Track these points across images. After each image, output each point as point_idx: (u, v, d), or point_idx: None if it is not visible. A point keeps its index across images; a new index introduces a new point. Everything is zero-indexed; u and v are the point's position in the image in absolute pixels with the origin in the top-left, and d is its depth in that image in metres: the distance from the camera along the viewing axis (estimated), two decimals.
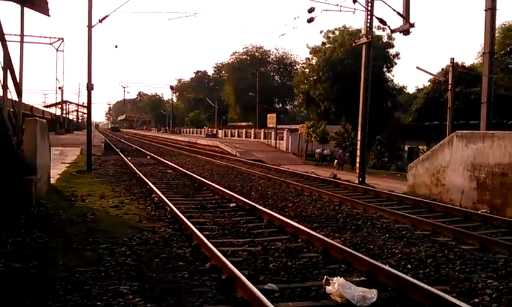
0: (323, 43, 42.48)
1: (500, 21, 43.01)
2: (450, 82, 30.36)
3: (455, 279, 6.54)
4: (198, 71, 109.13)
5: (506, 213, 11.93)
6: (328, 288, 5.84)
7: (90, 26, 21.15)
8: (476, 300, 5.77)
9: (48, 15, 12.19)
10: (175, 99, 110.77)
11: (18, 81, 10.66)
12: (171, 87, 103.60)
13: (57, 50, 56.91)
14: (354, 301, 5.51)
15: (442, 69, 41.85)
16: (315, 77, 41.60)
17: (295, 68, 71.62)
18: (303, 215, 11.27)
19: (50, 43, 55.94)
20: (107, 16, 22.25)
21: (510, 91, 37.45)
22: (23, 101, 11.75)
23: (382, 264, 6.83)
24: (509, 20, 42.71)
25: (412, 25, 18.49)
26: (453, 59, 31.12)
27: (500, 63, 38.98)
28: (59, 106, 69.16)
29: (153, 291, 5.83)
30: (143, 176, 17.47)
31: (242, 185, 16.90)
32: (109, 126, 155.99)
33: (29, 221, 9.00)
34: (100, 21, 22.09)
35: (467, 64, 43.62)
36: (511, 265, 7.29)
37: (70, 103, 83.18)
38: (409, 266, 7.14)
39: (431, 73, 37.92)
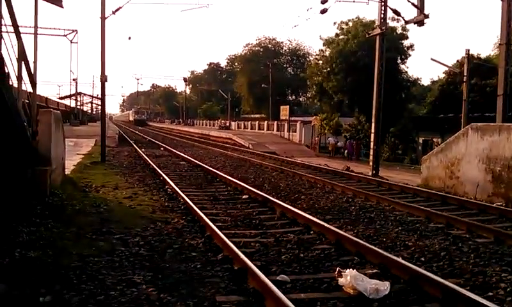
0: (336, 35, 42.13)
1: None
2: (465, 74, 30.03)
3: (469, 272, 6.47)
4: (211, 63, 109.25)
5: None
6: (341, 280, 5.82)
7: (103, 18, 21.26)
8: (490, 293, 5.71)
9: (62, 7, 12.28)
10: (188, 91, 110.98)
11: (32, 73, 10.74)
12: (184, 79, 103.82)
13: (71, 42, 57.31)
14: (366, 293, 5.49)
15: (457, 61, 41.48)
16: (328, 69, 41.32)
17: (308, 59, 71.21)
18: (316, 207, 11.24)
19: (65, 35, 56.37)
20: (120, 7, 22.39)
21: None
22: (38, 93, 11.86)
23: (395, 256, 6.78)
24: None
25: (427, 16, 18.30)
26: (468, 50, 30.78)
27: None
28: (74, 98, 69.76)
29: (166, 281, 5.87)
30: (156, 168, 17.57)
31: (255, 177, 16.91)
32: (131, 118, 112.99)
33: (44, 211, 9.10)
34: (114, 12, 22.24)
35: (483, 55, 43.07)
36: None
37: (84, 95, 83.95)
38: (422, 259, 7.09)
39: (445, 65, 37.52)
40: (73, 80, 64.37)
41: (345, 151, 32.71)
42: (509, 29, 17.07)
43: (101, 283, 5.67)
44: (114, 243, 7.49)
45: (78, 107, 72.03)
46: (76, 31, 57.07)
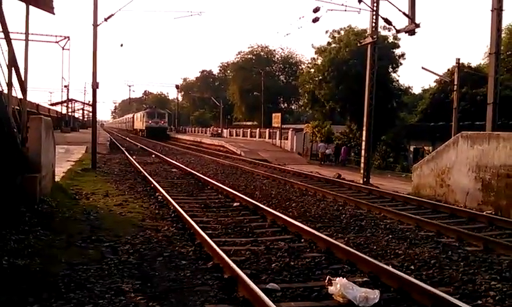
0: (328, 43, 42.33)
1: (506, 21, 42.81)
2: (455, 83, 30.27)
3: (458, 280, 6.50)
4: (203, 71, 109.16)
5: (511, 215, 11.86)
6: (330, 289, 5.81)
7: (96, 25, 21.21)
8: (479, 302, 5.74)
9: (53, 13, 12.21)
10: (180, 98, 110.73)
11: (23, 79, 10.69)
12: (177, 86, 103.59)
13: (63, 48, 57.11)
14: (356, 302, 5.49)
15: (448, 69, 41.78)
16: (320, 77, 41.47)
17: (300, 67, 71.36)
18: (307, 215, 11.24)
19: (56, 42, 56.14)
20: (112, 15, 22.32)
21: None
22: (29, 99, 11.79)
23: (385, 265, 6.80)
24: None
25: (417, 26, 18.44)
26: (459, 59, 31.09)
27: (506, 64, 38.78)
28: (65, 104, 69.45)
29: (155, 290, 5.83)
30: (147, 175, 17.50)
31: (246, 185, 16.89)
32: (138, 125, 72.76)
33: (33, 219, 9.01)
34: (106, 20, 22.17)
35: (473, 64, 43.47)
36: None
37: (76, 101, 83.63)
38: (412, 267, 7.10)
39: (436, 74, 37.85)
40: (65, 86, 64.13)
41: (340, 158, 33.26)
42: (499, 39, 17.24)
43: (89, 292, 5.62)
44: (104, 251, 7.43)
45: (69, 113, 71.72)
46: (68, 37, 56.94)
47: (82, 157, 24.04)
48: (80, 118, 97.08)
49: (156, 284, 6.06)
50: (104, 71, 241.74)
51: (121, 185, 15.60)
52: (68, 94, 66.77)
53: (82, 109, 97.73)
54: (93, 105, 23.11)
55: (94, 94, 22.19)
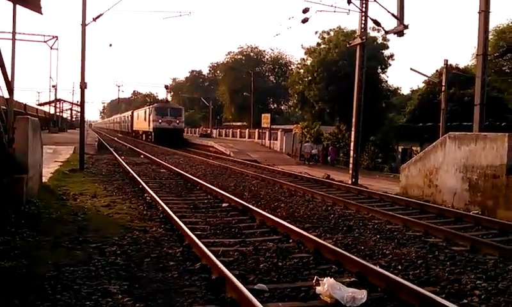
0: (318, 44, 42.49)
1: (493, 23, 43.29)
2: (443, 84, 30.51)
3: (445, 280, 6.56)
4: (192, 71, 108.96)
5: (497, 215, 11.98)
6: (318, 289, 5.83)
7: (84, 24, 21.09)
8: (465, 301, 5.79)
9: (41, 13, 12.13)
10: (169, 98, 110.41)
11: (10, 79, 10.59)
12: (166, 87, 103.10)
13: (51, 48, 56.62)
14: (343, 302, 5.51)
15: (436, 70, 42.14)
16: (309, 78, 41.63)
17: (290, 68, 71.65)
18: (295, 216, 11.27)
19: (44, 41, 55.68)
20: (101, 14, 22.21)
21: (503, 93, 37.67)
22: (16, 99, 11.69)
23: (372, 265, 6.83)
24: (503, 23, 42.96)
25: (406, 27, 18.54)
26: (446, 60, 31.34)
27: (493, 65, 39.22)
28: (53, 104, 68.91)
29: (142, 291, 5.81)
30: (135, 176, 17.41)
31: (236, 185, 16.88)
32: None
33: (20, 220, 8.94)
34: (94, 19, 22.05)
35: (461, 66, 43.90)
36: (500, 266, 7.32)
37: (64, 101, 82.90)
38: (399, 267, 7.15)
39: (424, 75, 38.22)
40: (53, 86, 63.61)
41: (329, 158, 33.64)
42: (486, 41, 17.39)
43: (76, 293, 5.59)
44: (91, 252, 7.39)
45: (57, 113, 71.17)
46: (56, 37, 56.45)
47: (70, 157, 23.88)
48: (69, 118, 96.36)
49: (143, 285, 6.04)
50: (93, 71, 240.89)
51: (109, 185, 15.51)
52: (56, 94, 66.28)
53: (71, 109, 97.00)
54: (81, 105, 22.95)
55: (82, 94, 22.06)
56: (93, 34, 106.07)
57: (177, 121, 49.15)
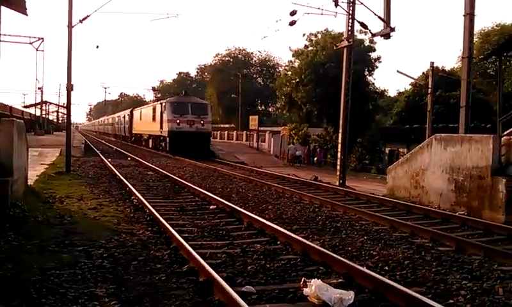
0: (306, 46, 42.67)
1: (478, 26, 43.84)
2: (430, 86, 30.74)
3: (431, 280, 6.62)
4: (180, 73, 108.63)
5: (483, 215, 12.13)
6: (306, 290, 5.84)
7: (70, 26, 20.91)
8: (451, 301, 5.85)
9: (26, 14, 12.03)
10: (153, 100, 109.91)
11: None
12: (153, 88, 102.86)
13: (37, 50, 56.16)
14: (331, 303, 5.53)
15: (423, 73, 42.41)
16: (297, 80, 41.75)
17: (278, 70, 71.84)
18: (283, 217, 11.29)
19: (30, 43, 55.17)
20: (88, 16, 22.03)
21: (488, 95, 38.11)
22: (1, 101, 11.57)
23: (359, 266, 6.87)
24: (488, 26, 43.52)
25: (393, 30, 18.69)
26: (433, 63, 31.56)
27: (478, 68, 39.67)
28: (39, 107, 68.28)
29: (129, 294, 5.77)
30: (122, 178, 17.31)
31: (223, 187, 16.85)
32: (167, 129, 34.39)
33: (4, 224, 8.81)
34: (81, 21, 21.87)
35: (447, 68, 44.32)
36: (485, 266, 7.41)
37: (50, 103, 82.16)
38: (386, 268, 7.19)
39: (411, 77, 38.35)
40: (39, 88, 63.03)
41: (315, 159, 33.89)
42: (471, 43, 17.56)
43: (62, 297, 5.53)
44: (77, 255, 7.33)
45: (43, 116, 70.53)
46: (42, 38, 55.99)
47: (56, 160, 23.66)
48: (55, 120, 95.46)
49: (130, 288, 6.00)
50: (79, 73, 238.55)
51: (96, 188, 15.40)
52: (42, 96, 65.72)
53: (57, 111, 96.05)
54: (68, 107, 22.78)
55: (68, 96, 21.88)
56: (79, 36, 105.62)
57: (202, 122, 34.82)
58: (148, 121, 41.84)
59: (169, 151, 34.28)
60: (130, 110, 54.54)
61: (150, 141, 41.82)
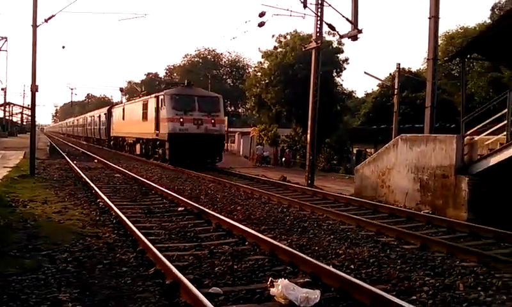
0: (275, 47, 42.75)
1: (443, 29, 44.91)
2: (396, 87, 31.32)
3: (395, 277, 6.74)
4: (149, 73, 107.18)
5: (447, 214, 12.43)
6: (272, 290, 5.87)
7: (35, 25, 20.42)
8: (414, 297, 5.97)
9: None
10: (124, 101, 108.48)
11: None
12: (121, 89, 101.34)
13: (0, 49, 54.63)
14: (297, 302, 5.57)
15: (390, 74, 43.18)
16: (266, 81, 41.80)
17: (247, 71, 71.95)
18: (252, 218, 11.29)
19: None
20: (53, 15, 21.55)
21: (453, 96, 39.02)
22: None
23: (326, 265, 6.94)
24: (452, 28, 44.59)
25: (360, 31, 18.95)
26: (399, 64, 32.19)
27: (443, 69, 40.60)
28: (2, 108, 66.49)
29: (94, 298, 5.68)
30: (88, 181, 16.99)
31: (192, 189, 16.75)
32: (167, 131, 25.50)
33: None
34: (46, 20, 21.37)
35: (413, 69, 45.20)
36: (447, 262, 7.61)
37: (14, 105, 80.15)
38: (352, 266, 7.29)
39: (378, 78, 39.05)
40: (2, 89, 61.40)
41: (283, 160, 34.88)
42: (436, 45, 17.96)
43: (24, 303, 5.41)
44: (41, 260, 7.16)
45: (7, 117, 68.73)
46: (6, 38, 54.50)
47: (20, 162, 23.10)
48: (19, 122, 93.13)
49: (95, 292, 5.90)
50: (45, 73, 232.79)
51: (60, 191, 15.06)
52: (5, 97, 64.02)
53: (21, 113, 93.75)
54: (32, 108, 22.24)
55: (33, 97, 21.34)
56: (45, 36, 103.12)
57: (212, 121, 26.60)
58: (135, 121, 33.50)
59: (168, 160, 26.39)
60: (107, 108, 47.60)
61: (138, 146, 33.36)
